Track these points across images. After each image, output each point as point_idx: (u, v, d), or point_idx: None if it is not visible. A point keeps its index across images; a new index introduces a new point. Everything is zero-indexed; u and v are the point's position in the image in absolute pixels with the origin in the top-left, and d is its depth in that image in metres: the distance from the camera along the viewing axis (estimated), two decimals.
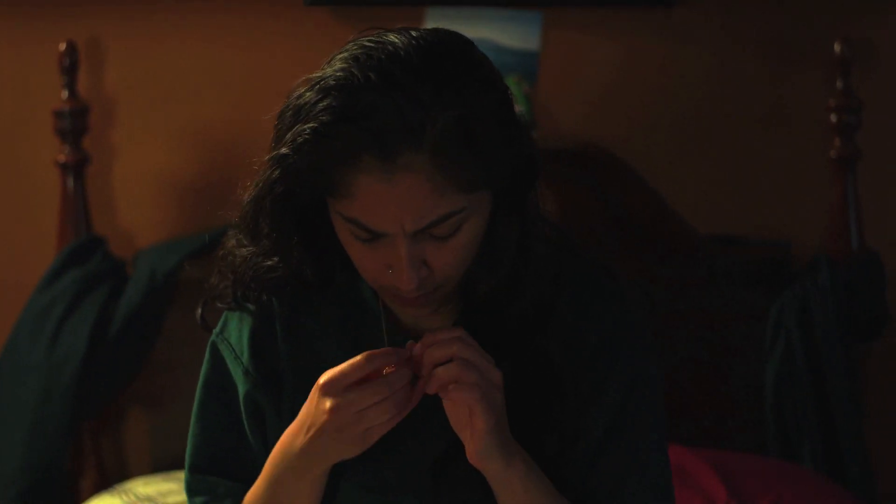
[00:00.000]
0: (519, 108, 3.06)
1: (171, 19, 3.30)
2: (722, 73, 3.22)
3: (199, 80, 3.31)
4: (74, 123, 3.20)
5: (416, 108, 1.54)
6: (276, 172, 1.62)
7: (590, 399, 1.73)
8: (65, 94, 3.21)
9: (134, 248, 3.30)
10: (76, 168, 3.22)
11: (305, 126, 1.57)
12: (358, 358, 1.63)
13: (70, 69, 3.21)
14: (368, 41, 1.60)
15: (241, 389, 1.78)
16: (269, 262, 1.74)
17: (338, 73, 1.57)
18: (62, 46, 3.20)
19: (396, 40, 1.59)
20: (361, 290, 1.78)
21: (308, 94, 1.58)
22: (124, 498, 2.93)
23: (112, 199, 3.36)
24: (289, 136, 1.59)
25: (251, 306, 1.79)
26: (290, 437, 1.68)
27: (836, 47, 3.06)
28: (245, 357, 1.78)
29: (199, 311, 1.83)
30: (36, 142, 3.32)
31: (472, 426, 1.61)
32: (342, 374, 1.62)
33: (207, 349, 1.82)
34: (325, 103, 1.56)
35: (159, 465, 3.21)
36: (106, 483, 3.20)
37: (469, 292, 1.73)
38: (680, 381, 3.06)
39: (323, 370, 1.69)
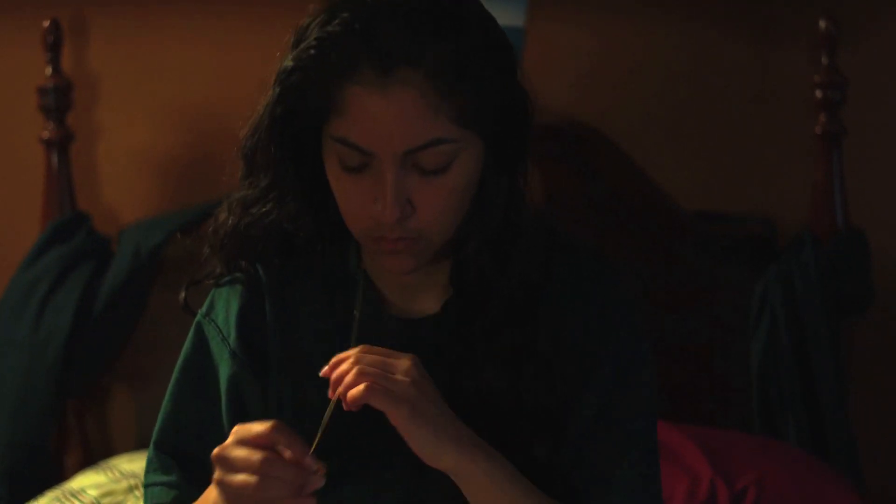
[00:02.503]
0: None
1: None
2: (707, 49, 3.21)
3: (183, 58, 3.30)
4: (58, 100, 3.19)
5: (417, 32, 1.58)
6: (277, 90, 1.65)
7: (580, 383, 1.73)
8: (49, 70, 3.20)
9: (118, 225, 3.29)
10: (60, 145, 3.21)
11: (311, 39, 1.61)
12: (264, 428, 1.55)
13: (54, 46, 3.19)
14: None
15: (226, 372, 1.77)
16: (264, 209, 1.74)
17: None
18: (46, 23, 3.18)
19: None
20: (348, 263, 1.78)
21: (315, 18, 1.63)
22: (109, 475, 2.93)
23: (96, 176, 3.35)
24: (293, 53, 1.63)
25: (240, 276, 1.79)
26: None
27: (822, 23, 3.05)
28: (232, 338, 1.77)
29: (183, 294, 1.82)
30: (20, 118, 3.30)
31: (398, 428, 1.57)
32: (237, 440, 1.56)
33: (192, 329, 1.81)
34: (333, 17, 1.60)
35: (143, 443, 3.18)
36: (90, 460, 3.20)
37: (459, 272, 1.72)
38: (664, 357, 3.06)
39: (308, 347, 1.69)
